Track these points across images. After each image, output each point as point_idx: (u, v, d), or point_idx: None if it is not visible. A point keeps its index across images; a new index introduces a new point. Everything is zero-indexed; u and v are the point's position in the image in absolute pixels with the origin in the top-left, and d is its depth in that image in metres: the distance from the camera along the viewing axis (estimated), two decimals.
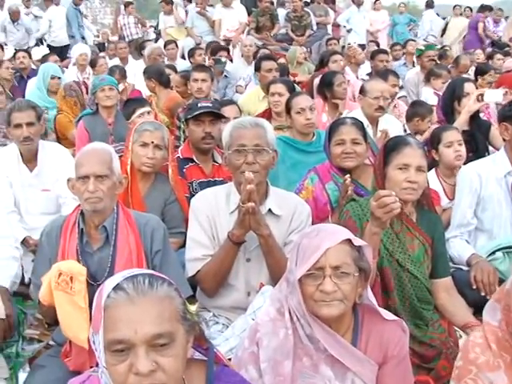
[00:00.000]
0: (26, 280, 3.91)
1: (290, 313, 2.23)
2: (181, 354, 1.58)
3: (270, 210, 3.07)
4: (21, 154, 4.23)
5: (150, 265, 2.84)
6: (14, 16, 12.05)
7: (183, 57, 10.45)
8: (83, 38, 12.61)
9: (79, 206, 2.89)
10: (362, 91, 5.14)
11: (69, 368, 2.79)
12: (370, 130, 4.63)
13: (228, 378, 1.80)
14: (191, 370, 1.71)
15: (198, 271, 3.04)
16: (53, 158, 4.27)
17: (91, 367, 2.75)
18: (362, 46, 10.79)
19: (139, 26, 12.73)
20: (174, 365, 1.54)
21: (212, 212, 3.09)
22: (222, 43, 10.67)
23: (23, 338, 3.50)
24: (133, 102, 5.21)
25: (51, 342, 3.15)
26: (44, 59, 8.81)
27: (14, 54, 9.59)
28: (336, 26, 13.10)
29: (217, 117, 4.22)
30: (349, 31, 12.65)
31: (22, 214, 4.21)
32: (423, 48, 8.70)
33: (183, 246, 3.49)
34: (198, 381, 1.75)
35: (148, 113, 4.97)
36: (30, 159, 4.24)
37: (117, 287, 1.56)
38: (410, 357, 2.34)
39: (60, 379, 2.74)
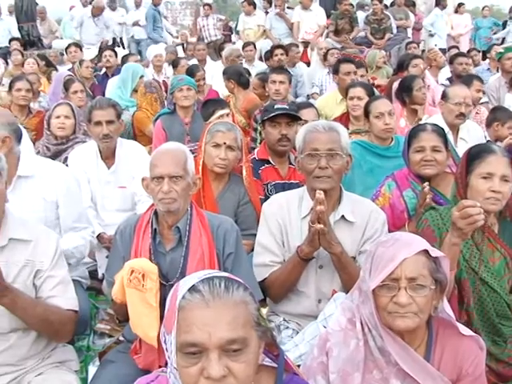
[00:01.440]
0: (100, 275, 3.99)
1: (361, 323, 2.17)
2: (253, 361, 1.55)
3: (342, 216, 3.01)
4: (99, 151, 4.31)
5: (222, 267, 2.82)
6: (96, 11, 12.31)
7: (261, 58, 10.47)
8: (162, 38, 12.85)
9: (153, 205, 2.90)
10: (444, 96, 5.00)
11: (138, 365, 2.81)
12: (450, 137, 4.49)
13: None
14: (260, 376, 1.68)
15: (265, 278, 3.02)
16: (130, 155, 4.34)
17: (160, 366, 2.79)
18: (443, 51, 10.54)
19: (218, 27, 12.85)
20: (245, 371, 1.52)
21: (283, 217, 3.06)
22: (301, 46, 10.63)
23: (94, 332, 3.58)
24: (212, 103, 5.20)
25: (121, 338, 3.18)
26: (125, 59, 8.96)
27: (101, 52, 9.75)
28: (416, 29, 12.85)
29: (294, 119, 4.18)
30: (432, 35, 12.36)
31: (97, 210, 4.30)
32: (502, 51, 8.39)
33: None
34: None
35: (227, 115, 4.96)
36: (108, 156, 4.32)
37: (192, 288, 1.54)
38: (486, 375, 2.25)
39: (129, 375, 2.76)
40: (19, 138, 3.45)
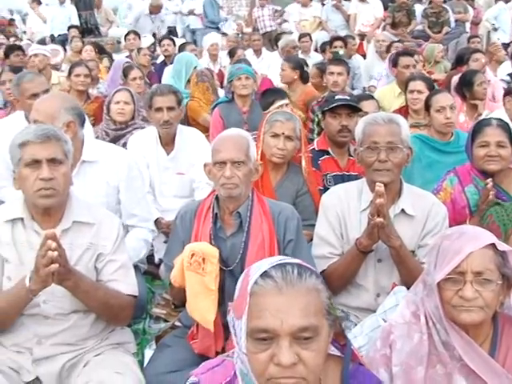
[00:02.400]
0: (156, 260, 4.03)
1: (425, 317, 2.13)
2: (323, 349, 1.54)
3: (402, 210, 2.97)
4: (159, 137, 4.34)
5: (282, 254, 2.80)
6: (155, 9, 12.41)
7: (316, 50, 10.40)
8: (218, 28, 12.87)
9: (214, 190, 2.91)
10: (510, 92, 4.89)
11: (194, 350, 2.82)
12: None
13: (364, 377, 1.74)
14: (327, 365, 1.66)
15: (324, 270, 2.99)
16: (189, 142, 4.37)
17: (216, 352, 2.81)
18: (504, 45, 10.27)
19: (274, 18, 12.80)
20: (315, 359, 1.50)
21: (342, 209, 3.03)
22: (357, 38, 10.52)
23: (150, 316, 3.62)
24: (272, 93, 5.18)
25: (177, 323, 3.21)
26: (182, 48, 9.01)
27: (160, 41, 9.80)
28: (474, 23, 12.56)
29: (354, 110, 4.13)
30: (496, 29, 12.05)
31: (155, 196, 4.34)
32: None
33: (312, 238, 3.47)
34: (333, 377, 1.70)
35: (286, 105, 4.94)
36: (167, 143, 4.35)
37: (265, 274, 1.53)
38: None
39: (185, 360, 2.80)
40: (83, 123, 3.50)
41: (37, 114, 3.38)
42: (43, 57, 7.38)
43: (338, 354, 1.75)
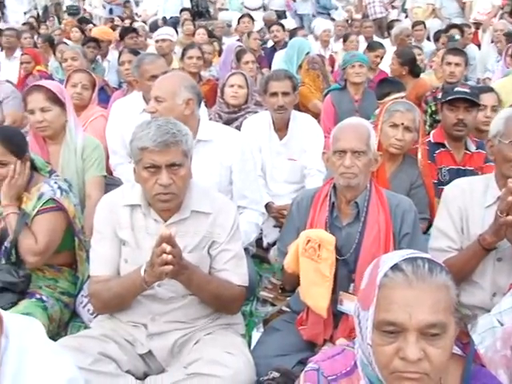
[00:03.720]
0: (265, 244, 4.07)
1: None
2: (448, 347, 1.51)
3: None
4: (273, 122, 4.37)
5: (397, 247, 2.76)
6: None
7: (428, 38, 10.13)
8: (329, 14, 12.77)
9: (332, 179, 2.90)
10: None
11: (302, 336, 2.84)
12: None
13: (486, 379, 1.70)
14: (449, 363, 1.63)
15: None
16: (303, 128, 4.36)
17: (324, 340, 2.81)
18: None
19: (384, 4, 12.56)
20: (441, 357, 1.48)
21: (465, 204, 2.94)
22: (472, 27, 10.16)
23: (257, 298, 3.65)
24: (389, 84, 5.08)
25: (284, 308, 3.23)
26: (292, 33, 9.00)
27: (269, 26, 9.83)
28: None
29: (473, 104, 4.00)
30: None
31: (266, 180, 4.37)
32: None
33: (425, 232, 3.40)
34: (454, 376, 1.66)
35: (401, 98, 4.84)
36: (281, 128, 4.37)
37: (395, 267, 1.52)
38: None
39: (293, 345, 2.81)
40: (200, 102, 3.58)
41: (158, 91, 3.46)
42: (170, 42, 7.55)
43: (460, 352, 1.71)
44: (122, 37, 8.50)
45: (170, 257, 2.37)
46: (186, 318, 2.74)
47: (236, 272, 2.76)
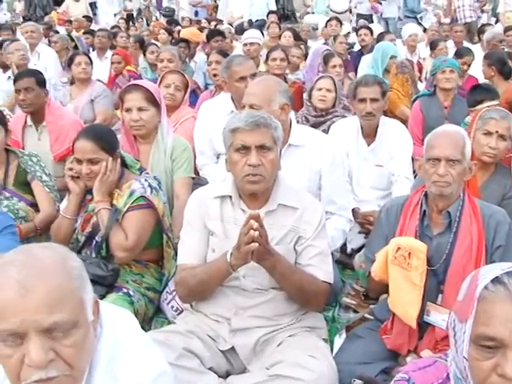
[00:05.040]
0: (349, 250, 4.03)
1: None
2: None
3: None
4: (361, 127, 4.33)
5: (489, 260, 2.69)
6: None
7: None
8: (416, 18, 12.56)
9: (423, 186, 2.85)
10: None
11: (386, 345, 2.80)
12: None
13: None
14: None
15: None
16: (391, 135, 4.31)
17: (409, 350, 2.77)
18: None
19: (474, 8, 12.25)
20: None
21: None
22: None
23: (340, 304, 3.62)
24: (482, 91, 4.95)
25: (367, 315, 3.20)
26: (380, 37, 8.88)
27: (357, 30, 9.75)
28: None
29: None
30: None
31: (352, 186, 4.33)
32: None
33: None
34: None
35: (495, 106, 4.69)
36: (369, 133, 4.32)
37: (496, 280, 1.47)
38: None
39: (376, 353, 2.78)
40: (292, 106, 3.59)
41: (253, 98, 3.45)
42: (258, 46, 7.62)
43: None
44: (208, 39, 8.62)
45: (256, 233, 2.42)
46: (270, 313, 2.75)
47: (321, 268, 2.77)
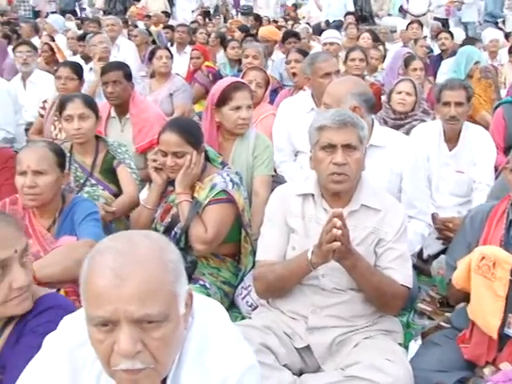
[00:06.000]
0: (425, 256, 3.98)
1: None
2: None
3: None
4: (443, 131, 4.26)
5: None
6: None
7: None
8: (496, 23, 12.25)
9: (510, 195, 2.78)
10: None
11: (463, 355, 2.75)
12: None
13: None
14: None
15: None
16: (474, 140, 4.23)
17: (487, 362, 2.70)
18: None
19: None
20: None
21: None
22: None
23: (415, 310, 3.58)
24: None
25: (442, 323, 3.14)
26: (464, 42, 8.66)
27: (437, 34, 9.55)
28: None
29: None
30: None
31: (431, 190, 4.26)
32: None
33: None
34: None
35: None
36: (451, 138, 4.25)
37: None
38: None
39: (452, 362, 2.73)
40: (371, 107, 3.56)
41: (327, 97, 3.53)
42: (337, 46, 7.62)
43: None
44: (283, 40, 8.62)
45: (339, 232, 2.42)
46: (347, 314, 2.74)
47: (401, 271, 2.74)
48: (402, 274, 2.75)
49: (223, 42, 8.66)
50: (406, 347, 3.13)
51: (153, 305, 1.45)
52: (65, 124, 3.85)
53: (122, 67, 4.79)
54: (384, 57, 8.32)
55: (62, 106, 3.88)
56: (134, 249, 1.50)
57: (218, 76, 7.28)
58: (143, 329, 1.46)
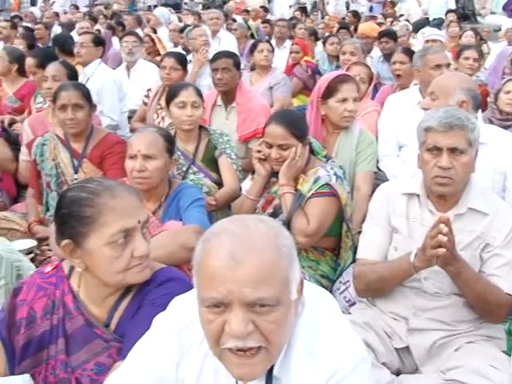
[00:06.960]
0: None
1: None
2: None
3: None
4: None
5: None
6: None
7: None
8: None
9: None
10: None
11: None
12: None
13: None
14: None
15: None
16: None
17: None
18: None
19: None
20: None
21: None
22: None
23: None
24: None
25: None
26: None
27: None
28: None
29: None
30: None
31: None
32: None
33: None
34: None
35: None
36: None
37: None
38: None
39: None
40: (477, 105, 3.48)
41: (435, 87, 3.49)
42: (440, 43, 7.44)
43: None
44: (378, 38, 8.49)
45: (445, 238, 2.35)
46: (449, 318, 2.68)
47: (507, 279, 2.63)
48: (508, 282, 2.64)
49: (316, 37, 8.62)
50: (509, 355, 3.04)
51: (266, 289, 1.46)
52: (176, 110, 3.91)
53: (232, 56, 4.89)
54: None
55: (173, 93, 3.96)
56: (249, 233, 1.51)
57: (316, 71, 7.27)
58: (255, 312, 1.47)
